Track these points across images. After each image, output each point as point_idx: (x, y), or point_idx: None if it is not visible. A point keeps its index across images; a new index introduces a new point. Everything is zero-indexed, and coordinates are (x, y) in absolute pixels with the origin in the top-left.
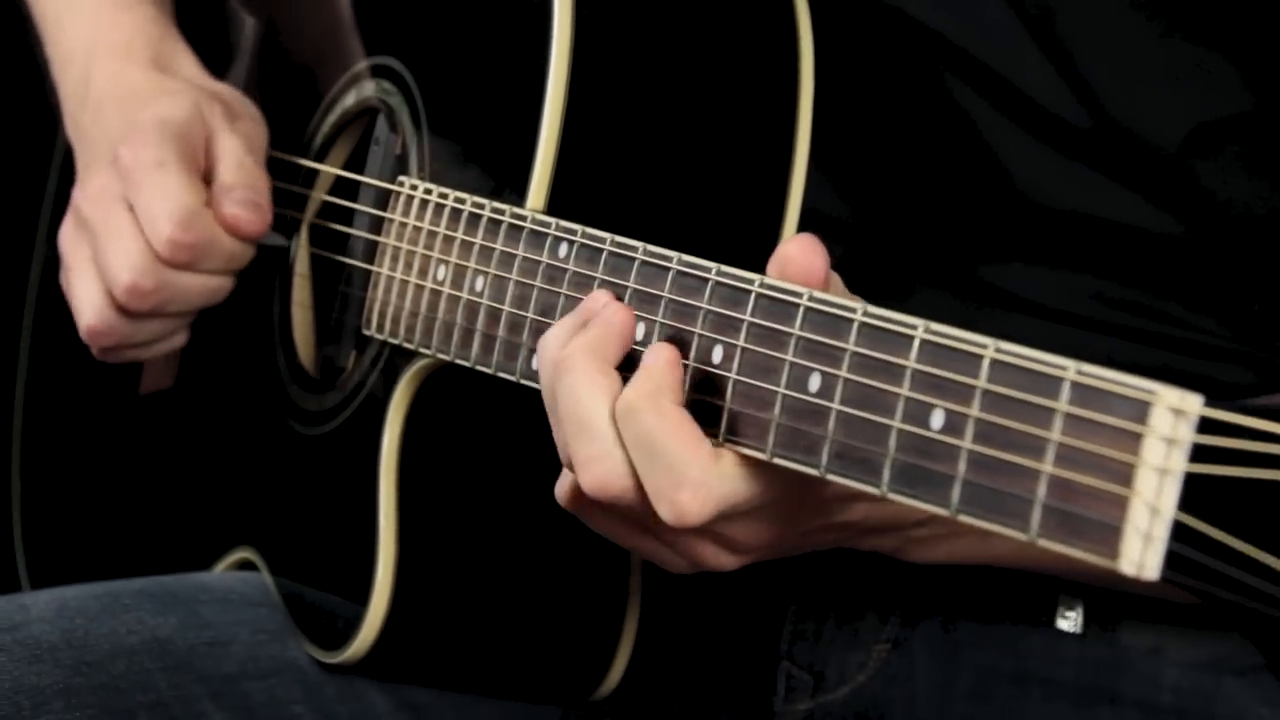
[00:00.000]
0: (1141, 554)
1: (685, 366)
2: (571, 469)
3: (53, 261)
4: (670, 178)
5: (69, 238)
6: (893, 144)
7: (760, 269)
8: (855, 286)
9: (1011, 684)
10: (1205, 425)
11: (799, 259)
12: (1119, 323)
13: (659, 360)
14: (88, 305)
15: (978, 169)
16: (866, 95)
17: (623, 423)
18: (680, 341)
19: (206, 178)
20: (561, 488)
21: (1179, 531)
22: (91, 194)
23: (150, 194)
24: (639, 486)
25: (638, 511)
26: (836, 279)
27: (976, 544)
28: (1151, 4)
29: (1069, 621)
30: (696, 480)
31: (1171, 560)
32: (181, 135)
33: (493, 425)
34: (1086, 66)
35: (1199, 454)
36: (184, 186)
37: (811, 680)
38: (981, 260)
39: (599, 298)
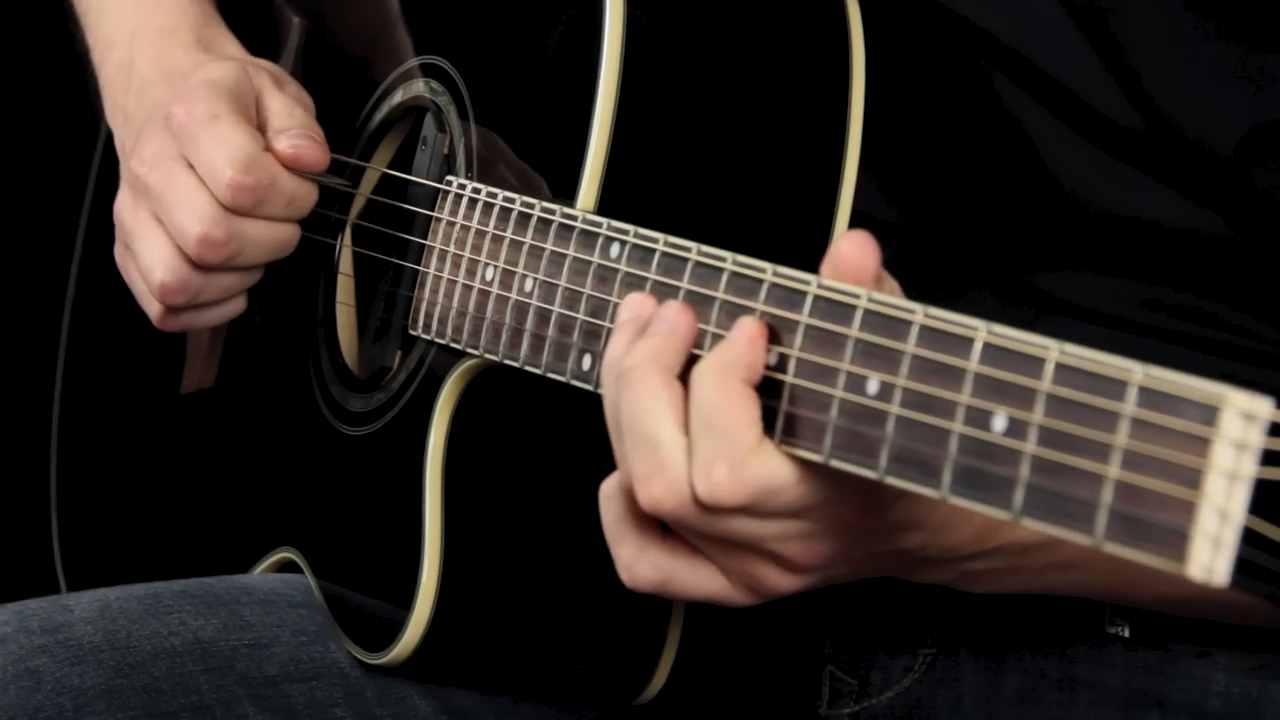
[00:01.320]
0: (1211, 559)
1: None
2: (629, 486)
3: (91, 263)
4: (720, 179)
5: (127, 206)
6: (942, 147)
7: (811, 272)
8: (904, 290)
9: (1059, 689)
10: (1276, 430)
11: (851, 255)
12: (1170, 328)
13: (740, 336)
14: (158, 262)
15: (1028, 173)
16: (916, 98)
17: (693, 389)
18: None
19: (260, 131)
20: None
21: (1249, 536)
22: (148, 158)
23: (208, 144)
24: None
25: (689, 528)
26: (891, 279)
27: (1031, 579)
28: (1206, 5)
29: (1118, 627)
30: (736, 459)
31: (1241, 565)
32: (232, 91)
33: (539, 426)
34: (1140, 68)
35: (1269, 459)
36: (241, 133)
37: (856, 685)
38: (1031, 265)
39: (651, 302)
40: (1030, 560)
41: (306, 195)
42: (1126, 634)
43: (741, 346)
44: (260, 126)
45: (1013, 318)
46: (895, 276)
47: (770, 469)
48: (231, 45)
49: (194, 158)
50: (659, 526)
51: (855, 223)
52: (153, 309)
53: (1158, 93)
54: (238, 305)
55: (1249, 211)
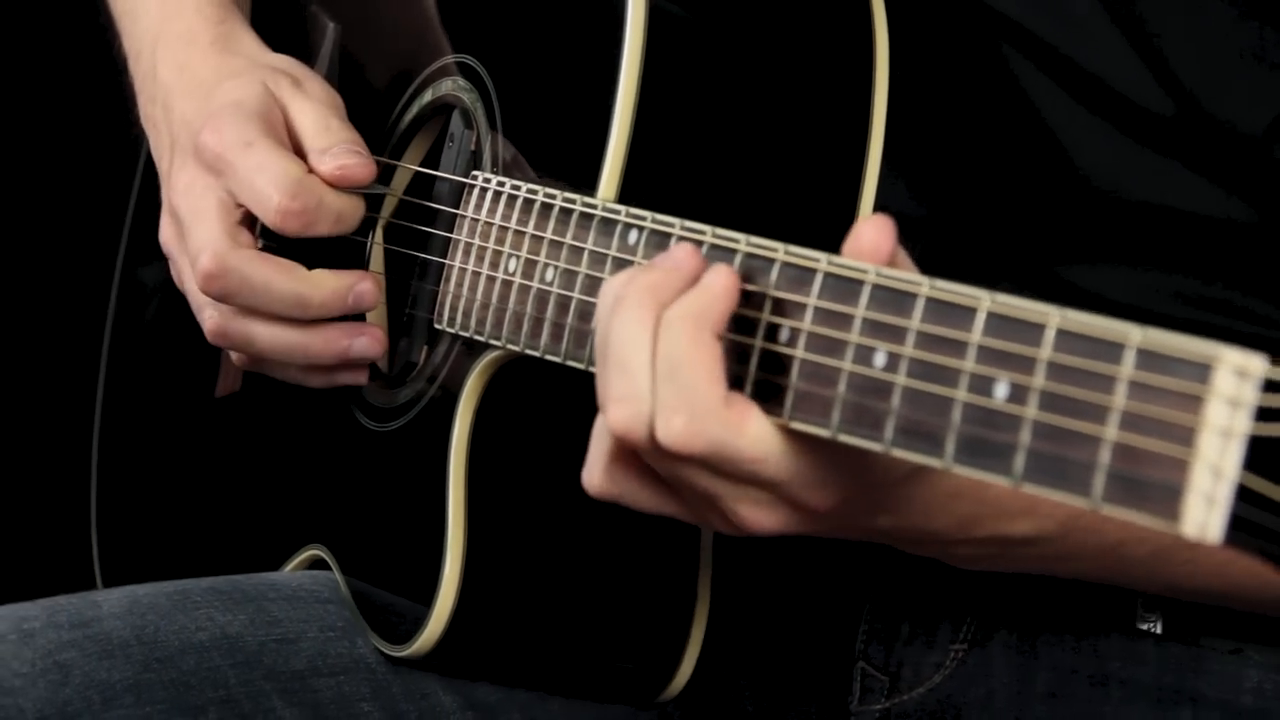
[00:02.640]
0: (1205, 516)
1: (754, 321)
2: (604, 409)
3: (132, 271)
4: (742, 172)
5: (171, 238)
6: (969, 141)
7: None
8: None
9: (1090, 685)
10: (1271, 387)
11: (868, 236)
12: (1199, 320)
13: (716, 283)
14: (199, 306)
15: (1056, 163)
16: (942, 91)
17: (659, 335)
18: (747, 322)
19: (297, 151)
20: (592, 457)
21: (1243, 493)
22: (181, 189)
23: (248, 171)
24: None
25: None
26: (908, 260)
27: (1026, 564)
28: None
29: (1149, 623)
30: (696, 413)
31: (1235, 522)
32: (259, 113)
33: (562, 419)
34: (1168, 52)
35: (1264, 416)
36: (280, 157)
37: (887, 681)
38: (1060, 258)
39: (677, 245)
40: (1017, 551)
41: (354, 210)
42: (1159, 629)
43: (716, 296)
44: (294, 142)
45: None
46: (924, 273)
47: (730, 433)
48: (250, 43)
49: (236, 187)
50: (634, 454)
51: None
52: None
53: (1186, 77)
54: None
55: (1278, 197)
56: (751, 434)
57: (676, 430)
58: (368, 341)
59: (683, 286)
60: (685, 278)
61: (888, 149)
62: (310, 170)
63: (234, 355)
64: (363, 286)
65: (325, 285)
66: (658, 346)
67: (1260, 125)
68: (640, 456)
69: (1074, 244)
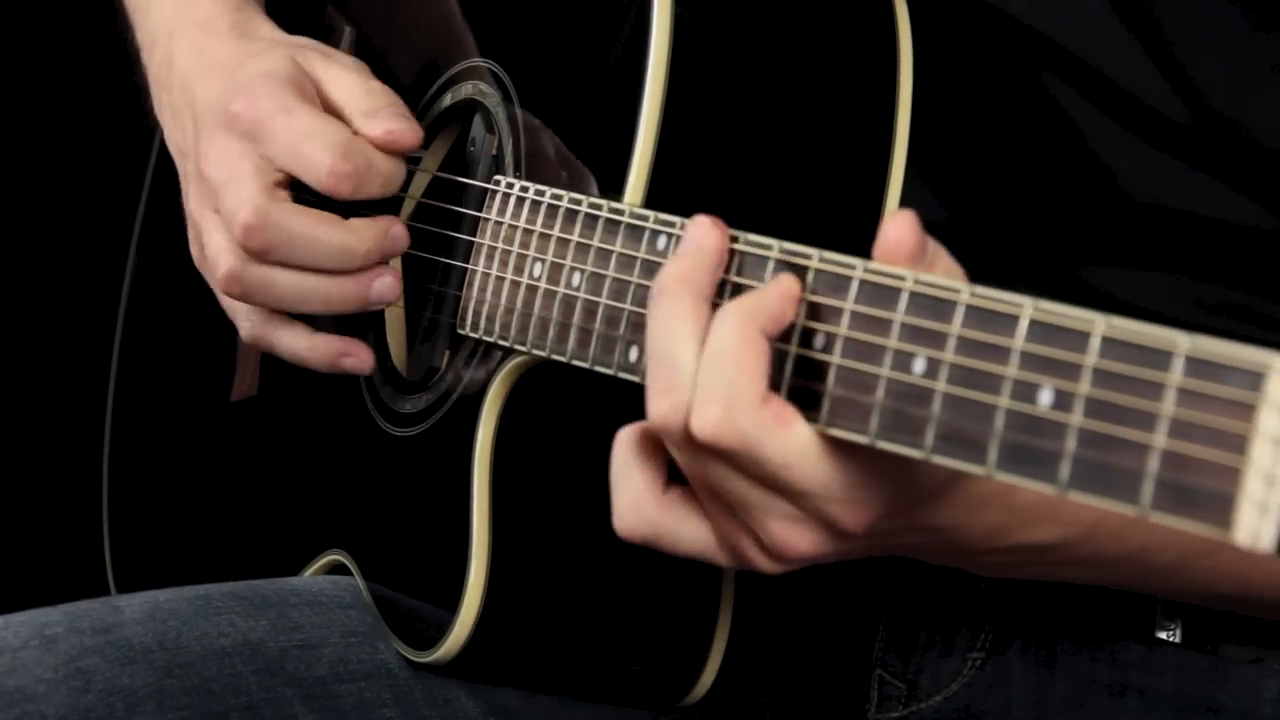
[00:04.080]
0: (1258, 524)
1: (794, 328)
2: (641, 427)
3: (144, 272)
4: (767, 176)
5: (197, 204)
6: (990, 145)
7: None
8: None
9: (1109, 694)
10: None
11: (893, 233)
12: (1220, 326)
13: (776, 287)
14: (224, 252)
15: (1077, 168)
16: (964, 96)
17: (712, 329)
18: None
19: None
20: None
21: None
22: (213, 158)
23: (293, 136)
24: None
25: (685, 461)
26: (942, 249)
27: (1047, 570)
28: None
29: (1168, 632)
30: (732, 404)
31: None
32: (292, 81)
33: (587, 424)
34: (1187, 61)
35: None
36: (324, 121)
37: (905, 689)
38: (1080, 262)
39: (700, 221)
40: (1046, 557)
41: (399, 173)
42: (1178, 636)
43: (772, 298)
44: (330, 109)
45: None
46: None
47: (762, 431)
48: (267, 27)
49: (277, 153)
50: (661, 480)
51: None
52: (223, 296)
53: (1205, 85)
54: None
55: None
56: (783, 435)
57: (711, 419)
58: (391, 281)
59: (710, 266)
60: (709, 256)
61: (912, 153)
62: (355, 134)
63: (243, 324)
64: (395, 230)
65: (367, 234)
66: (708, 338)
67: (1278, 131)
68: (669, 486)
69: (1094, 247)
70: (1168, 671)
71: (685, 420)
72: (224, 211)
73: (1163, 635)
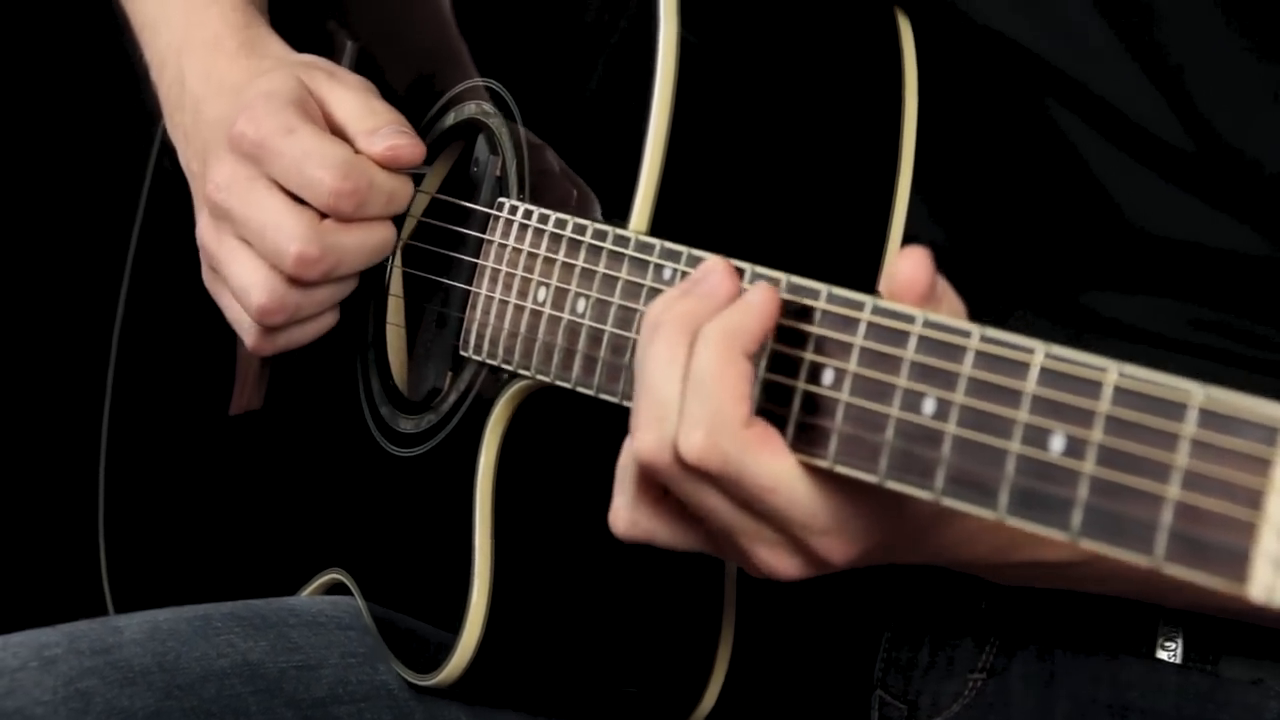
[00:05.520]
0: (1273, 579)
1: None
2: (632, 435)
3: (140, 285)
4: (773, 201)
5: (209, 232)
6: (991, 169)
7: (866, 293)
8: None
9: (1110, 714)
10: None
11: (905, 272)
12: (1220, 348)
13: (753, 301)
14: (255, 285)
15: (1079, 195)
16: (966, 120)
17: (693, 351)
18: (789, 363)
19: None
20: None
21: None
22: (222, 183)
23: (295, 157)
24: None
25: (674, 488)
26: (951, 290)
27: (1058, 582)
28: (1253, 26)
29: (1169, 652)
30: (716, 427)
31: None
32: (295, 101)
33: (589, 448)
34: (1191, 88)
35: None
36: (326, 141)
37: (905, 709)
38: (1080, 285)
39: (712, 265)
40: (1060, 572)
41: (404, 190)
42: (1179, 651)
43: (751, 316)
44: (334, 129)
45: (1061, 338)
46: None
47: (745, 454)
48: (276, 45)
49: (281, 174)
50: (659, 487)
51: (904, 243)
52: (249, 333)
53: (1208, 113)
54: (332, 318)
55: None
56: (766, 458)
57: (696, 443)
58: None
59: (711, 304)
60: (720, 305)
61: (914, 177)
62: (357, 152)
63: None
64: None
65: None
66: (691, 364)
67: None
68: (666, 489)
69: (1095, 271)
70: (1168, 692)
71: (672, 446)
72: (268, 248)
73: (1164, 655)
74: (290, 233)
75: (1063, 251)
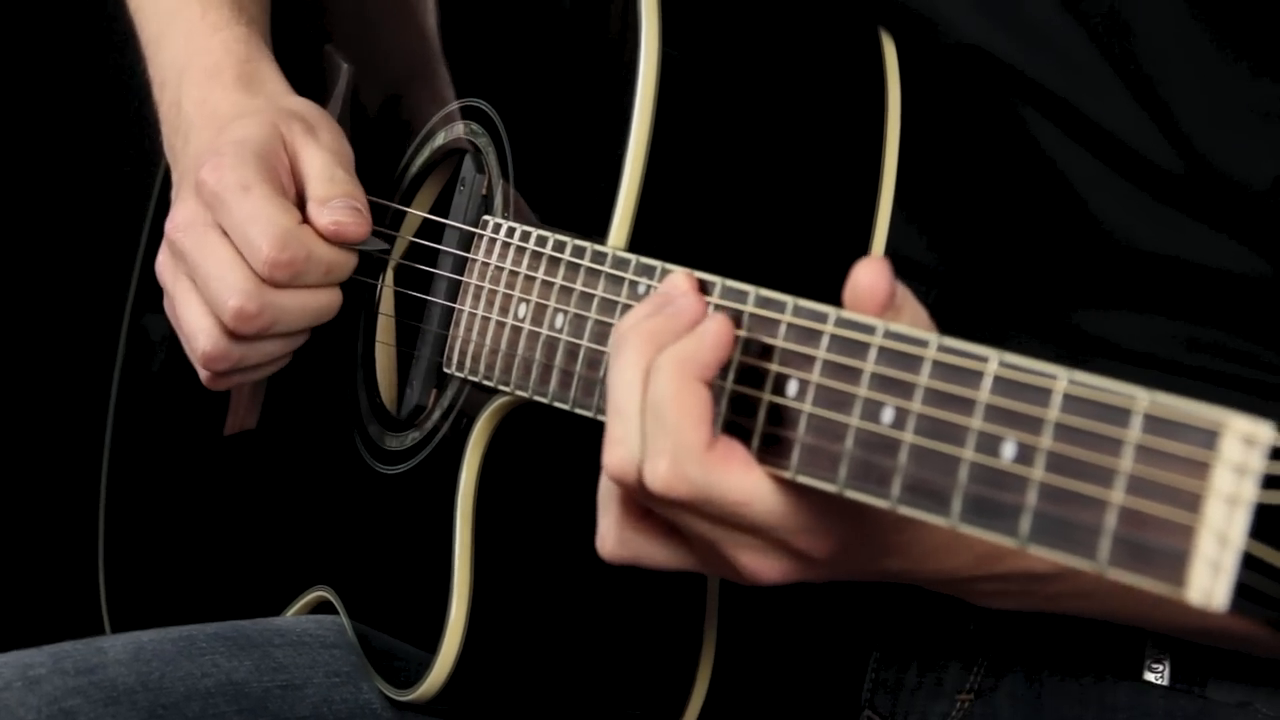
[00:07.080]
0: (1211, 583)
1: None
2: (604, 450)
3: (141, 306)
4: (753, 219)
5: (167, 269)
6: (982, 190)
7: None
8: (946, 331)
9: None
10: (1278, 454)
11: (864, 281)
12: (1214, 368)
13: (709, 331)
14: (200, 332)
15: (1068, 214)
16: (955, 142)
17: (649, 379)
18: (756, 375)
19: (299, 197)
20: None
21: (1249, 561)
22: (181, 224)
23: (241, 217)
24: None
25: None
26: (911, 298)
27: (1045, 603)
28: (1238, 44)
29: (1156, 674)
30: (679, 457)
31: (1241, 590)
32: (261, 154)
33: (568, 465)
34: (1175, 108)
35: (1271, 483)
36: (274, 206)
37: None
38: (1073, 306)
39: (679, 284)
40: (1041, 588)
41: (344, 263)
42: (1166, 674)
43: (706, 346)
44: (298, 185)
45: (1055, 358)
46: (937, 321)
47: (713, 476)
48: (273, 80)
49: (230, 229)
50: (641, 506)
51: (896, 266)
52: (200, 371)
53: (1193, 132)
54: (282, 364)
55: None
56: (735, 477)
57: (661, 474)
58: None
59: (684, 332)
60: (687, 325)
61: (903, 198)
62: (305, 220)
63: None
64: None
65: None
66: (647, 390)
67: (1267, 180)
68: (648, 509)
69: (1087, 291)
70: (1156, 714)
71: (637, 472)
72: (211, 297)
73: (1151, 677)
74: (232, 286)
75: (1056, 271)
